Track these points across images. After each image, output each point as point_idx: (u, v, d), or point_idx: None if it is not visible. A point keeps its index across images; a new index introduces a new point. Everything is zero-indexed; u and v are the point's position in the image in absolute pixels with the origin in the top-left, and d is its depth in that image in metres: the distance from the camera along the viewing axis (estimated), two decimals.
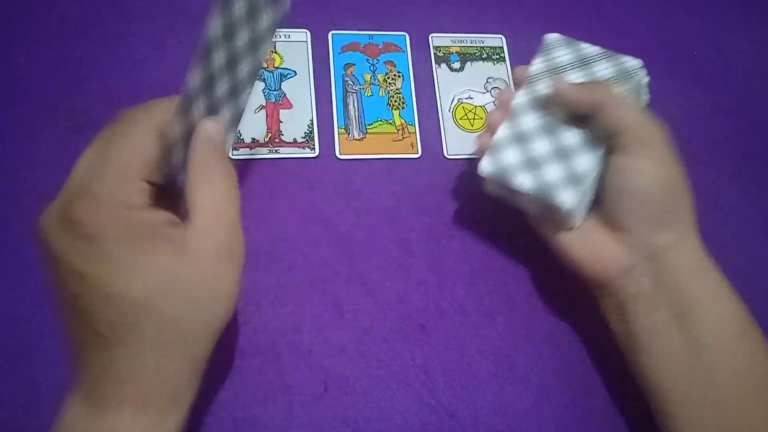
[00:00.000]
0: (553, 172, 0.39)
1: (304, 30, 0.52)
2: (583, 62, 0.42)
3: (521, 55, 0.55)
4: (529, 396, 0.42)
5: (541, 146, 0.40)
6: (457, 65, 0.54)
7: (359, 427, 0.39)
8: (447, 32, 0.55)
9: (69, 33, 0.49)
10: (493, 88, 0.53)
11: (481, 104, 0.52)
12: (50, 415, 0.37)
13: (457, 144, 0.50)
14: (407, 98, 0.51)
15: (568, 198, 0.38)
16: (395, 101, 0.51)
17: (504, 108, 0.42)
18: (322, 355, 0.41)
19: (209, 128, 0.31)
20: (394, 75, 0.52)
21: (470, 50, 0.55)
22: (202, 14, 0.51)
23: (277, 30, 0.35)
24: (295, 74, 0.50)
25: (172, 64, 0.49)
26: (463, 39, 0.55)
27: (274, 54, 0.51)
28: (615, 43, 0.59)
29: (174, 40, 0.50)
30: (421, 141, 0.50)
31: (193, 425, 0.38)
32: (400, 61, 0.53)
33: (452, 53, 0.54)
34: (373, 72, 0.52)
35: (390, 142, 0.49)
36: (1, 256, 0.41)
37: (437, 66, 0.53)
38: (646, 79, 0.42)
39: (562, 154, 0.39)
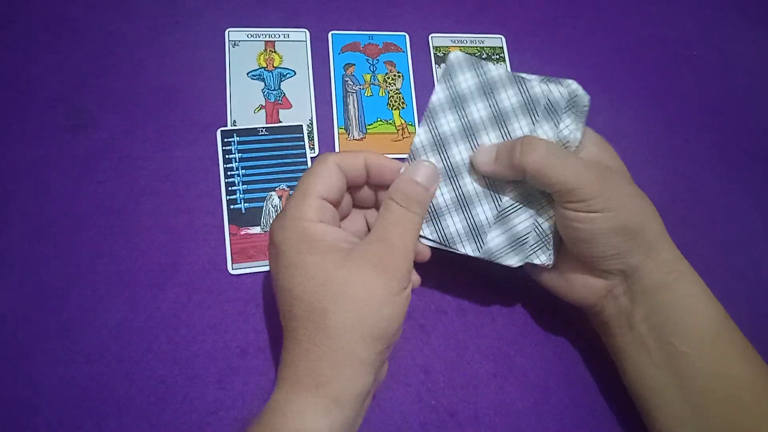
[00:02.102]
0: (495, 238, 0.38)
1: (304, 30, 0.52)
2: (488, 89, 0.38)
3: (521, 55, 0.55)
4: (529, 396, 0.42)
5: (481, 212, 0.38)
6: None
7: (359, 427, 0.39)
8: (447, 32, 0.55)
9: (69, 33, 0.49)
10: None
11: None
12: (50, 415, 0.37)
13: None
14: (407, 98, 0.51)
15: (513, 261, 0.38)
16: (395, 101, 0.51)
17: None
18: None
19: (423, 171, 0.37)
20: (394, 75, 0.52)
21: (470, 50, 0.55)
22: (202, 14, 0.52)
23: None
24: (295, 74, 0.50)
25: (172, 64, 0.49)
26: (463, 39, 0.55)
27: (274, 54, 0.51)
28: (615, 44, 0.59)
29: (174, 40, 0.50)
30: None
31: (194, 425, 0.38)
32: (400, 61, 0.53)
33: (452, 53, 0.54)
34: (373, 72, 0.52)
35: (390, 143, 0.49)
36: (1, 256, 0.41)
37: (437, 66, 0.53)
38: (573, 87, 0.38)
39: (502, 216, 0.38)
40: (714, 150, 0.55)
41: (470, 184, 0.38)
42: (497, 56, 0.55)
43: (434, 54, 0.54)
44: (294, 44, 0.52)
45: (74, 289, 0.40)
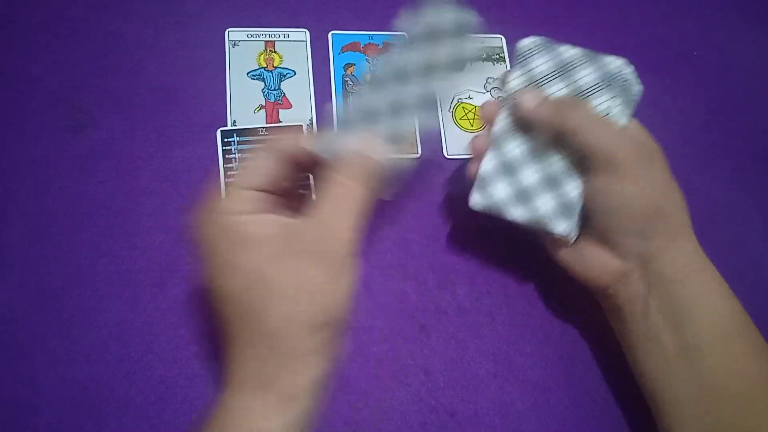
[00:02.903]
0: (545, 203, 0.39)
1: (304, 30, 0.52)
2: (564, 70, 0.40)
3: None
4: (529, 396, 0.42)
5: (529, 175, 0.39)
6: None
7: (359, 427, 0.39)
8: None
9: (69, 33, 0.49)
10: (492, 88, 0.53)
11: (481, 104, 0.52)
12: (50, 415, 0.37)
13: (456, 144, 0.50)
14: None
15: (563, 227, 0.38)
16: None
17: (488, 123, 0.41)
18: None
19: (369, 145, 0.34)
20: None
21: None
22: (202, 14, 0.52)
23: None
24: (295, 74, 0.50)
25: (172, 64, 0.49)
26: None
27: (274, 53, 0.51)
28: (615, 43, 0.59)
29: (174, 40, 0.50)
30: (421, 141, 0.50)
31: (194, 425, 0.38)
32: None
33: None
34: None
35: None
36: (1, 256, 0.41)
37: None
38: (632, 76, 0.40)
39: (552, 182, 0.39)
40: (714, 150, 0.55)
41: (557, 162, 0.39)
42: (497, 56, 0.55)
43: None
44: (294, 44, 0.52)
45: (74, 289, 0.40)
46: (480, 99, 0.53)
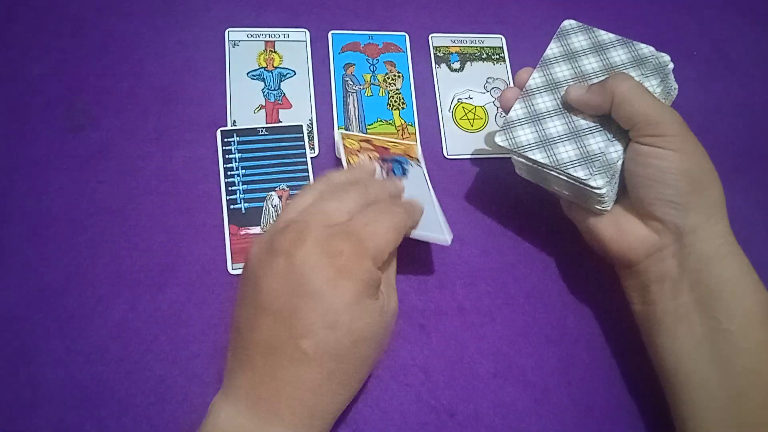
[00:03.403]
0: (598, 164, 0.39)
1: (304, 30, 0.52)
2: (599, 48, 0.43)
3: (521, 55, 0.55)
4: (529, 396, 0.42)
5: (556, 125, 0.41)
6: (456, 65, 0.54)
7: (359, 427, 0.39)
8: (447, 32, 0.55)
9: (69, 33, 0.49)
10: (492, 88, 0.53)
11: (481, 104, 0.52)
12: (50, 415, 0.37)
13: (456, 144, 0.50)
14: (407, 98, 0.51)
15: (607, 188, 0.38)
16: (395, 101, 0.51)
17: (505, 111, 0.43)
18: None
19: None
20: (394, 75, 0.52)
21: (470, 50, 0.55)
22: (202, 14, 0.52)
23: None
24: (295, 74, 0.50)
25: (172, 64, 0.49)
26: (463, 39, 0.55)
27: (274, 53, 0.51)
28: None
29: (174, 40, 0.50)
30: (421, 141, 0.50)
31: (194, 425, 0.38)
32: (400, 61, 0.53)
33: (452, 53, 0.54)
34: (373, 72, 0.52)
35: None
36: (1, 256, 0.41)
37: (437, 66, 0.53)
38: (669, 65, 0.42)
39: (577, 134, 0.40)
40: (714, 150, 0.55)
41: (582, 119, 0.41)
42: (497, 56, 0.55)
43: (434, 54, 0.54)
44: (294, 44, 0.52)
45: (74, 289, 0.40)
46: (480, 99, 0.53)
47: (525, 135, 0.41)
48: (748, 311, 0.35)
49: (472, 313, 0.44)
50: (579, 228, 0.43)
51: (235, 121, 0.48)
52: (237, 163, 0.46)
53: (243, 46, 0.51)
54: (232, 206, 0.44)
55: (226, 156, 0.46)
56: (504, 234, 0.47)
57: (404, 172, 0.46)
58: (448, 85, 0.53)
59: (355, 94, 0.51)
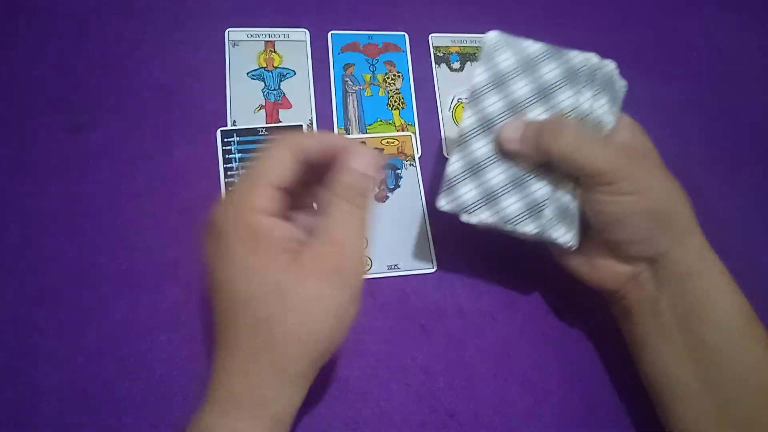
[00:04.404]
0: (512, 204, 0.38)
1: (304, 30, 0.52)
2: (529, 65, 0.38)
3: None
4: (529, 396, 0.42)
5: (496, 175, 0.38)
6: (456, 65, 0.54)
7: (359, 427, 0.39)
8: (447, 32, 0.55)
9: (69, 33, 0.49)
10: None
11: None
12: (51, 415, 0.37)
13: None
14: (407, 98, 0.51)
15: (566, 237, 0.38)
16: (395, 101, 0.51)
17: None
18: None
19: (366, 161, 0.32)
20: (394, 75, 0.52)
21: (470, 50, 0.55)
22: (202, 14, 0.52)
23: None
24: (295, 74, 0.50)
25: (172, 64, 0.49)
26: (463, 39, 0.55)
27: (274, 54, 0.51)
28: (614, 43, 0.59)
29: (174, 40, 0.50)
30: (421, 141, 0.50)
31: None
32: (399, 61, 0.53)
33: (452, 53, 0.54)
34: (373, 72, 0.52)
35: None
36: (1, 256, 0.41)
37: (437, 66, 0.53)
38: (609, 66, 0.39)
39: (520, 182, 0.38)
40: (714, 150, 0.55)
41: (518, 164, 0.38)
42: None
43: (434, 54, 0.54)
44: (294, 44, 0.52)
45: (74, 289, 0.40)
46: None
47: (468, 193, 0.38)
48: (727, 323, 0.36)
49: (472, 313, 0.44)
50: (555, 261, 0.42)
51: (235, 121, 0.48)
52: (237, 163, 0.46)
53: (243, 46, 0.51)
54: None
55: (226, 156, 0.46)
56: (504, 234, 0.46)
57: (397, 181, 0.46)
58: (448, 85, 0.53)
59: (354, 94, 0.51)
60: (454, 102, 0.52)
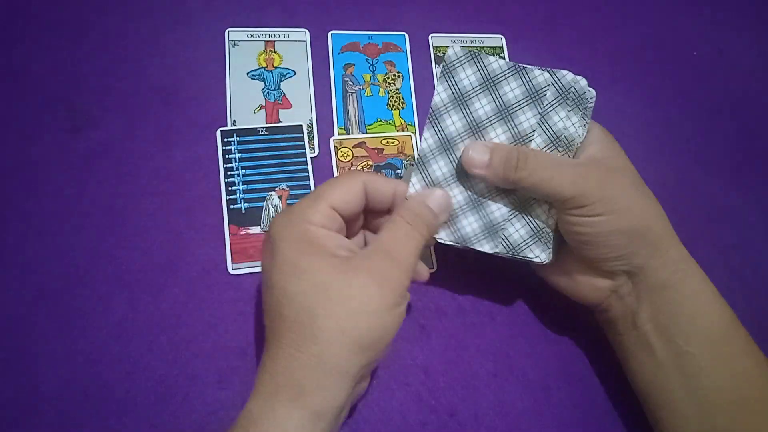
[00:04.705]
0: (516, 232, 0.38)
1: (304, 30, 0.52)
2: (490, 83, 0.37)
3: (521, 55, 0.55)
4: (529, 396, 0.42)
5: (496, 209, 0.38)
6: None
7: (359, 427, 0.39)
8: (447, 32, 0.55)
9: (69, 33, 0.49)
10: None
11: None
12: (51, 415, 0.37)
13: None
14: (407, 98, 0.51)
15: (541, 255, 0.38)
16: (395, 101, 0.51)
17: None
18: None
19: (436, 199, 0.37)
20: (394, 75, 0.52)
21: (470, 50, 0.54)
22: (202, 14, 0.52)
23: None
24: (295, 74, 0.50)
25: (172, 64, 0.49)
26: (463, 39, 0.55)
27: (274, 53, 0.51)
28: (614, 43, 0.59)
29: (174, 40, 0.50)
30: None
31: (194, 425, 0.38)
32: (399, 61, 0.53)
33: None
34: (373, 72, 0.52)
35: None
36: (1, 256, 0.41)
37: (437, 66, 0.53)
38: (582, 82, 0.37)
39: (478, 201, 0.38)
40: (714, 150, 0.55)
41: (480, 183, 0.38)
42: (497, 56, 0.55)
43: (434, 54, 0.54)
44: (294, 44, 0.52)
45: (74, 289, 0.40)
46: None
47: (469, 225, 0.38)
48: (706, 331, 0.36)
49: (472, 313, 0.44)
50: (538, 275, 0.43)
51: (235, 121, 0.48)
52: (237, 163, 0.46)
53: (243, 46, 0.51)
54: (232, 206, 0.44)
55: (226, 156, 0.46)
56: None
57: None
58: None
59: (354, 94, 0.51)
60: None
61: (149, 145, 0.46)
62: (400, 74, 0.52)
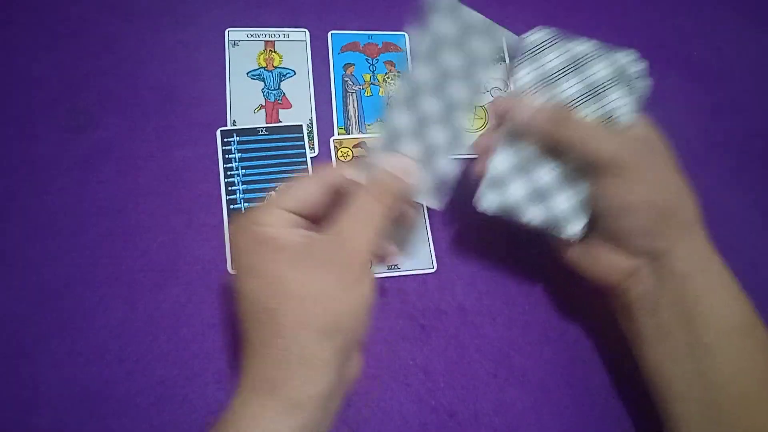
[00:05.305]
0: (561, 203, 0.38)
1: (304, 29, 0.52)
2: (577, 65, 0.39)
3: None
4: (529, 396, 0.42)
5: (544, 174, 0.39)
6: None
7: (359, 427, 0.39)
8: None
9: (69, 33, 0.49)
10: (493, 87, 0.53)
11: (481, 104, 0.52)
12: (50, 415, 0.37)
13: None
14: None
15: (575, 229, 0.38)
16: None
17: (499, 119, 0.41)
18: None
19: (395, 163, 0.36)
20: (394, 75, 0.52)
21: None
22: (202, 14, 0.52)
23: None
24: (295, 74, 0.50)
25: (172, 64, 0.49)
26: None
27: (274, 53, 0.51)
28: (615, 43, 0.59)
29: (174, 40, 0.50)
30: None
31: (194, 425, 0.38)
32: (399, 61, 0.53)
33: None
34: (373, 72, 0.52)
35: None
36: (1, 256, 0.41)
37: None
38: (642, 71, 0.39)
39: (567, 181, 0.39)
40: (714, 150, 0.55)
41: (527, 146, 0.39)
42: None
43: None
44: (294, 44, 0.52)
45: (74, 289, 0.40)
46: (480, 99, 0.53)
47: (516, 192, 0.39)
48: (727, 324, 0.36)
49: (472, 313, 0.44)
50: (555, 251, 0.42)
51: (235, 121, 0.48)
52: (237, 163, 0.46)
53: (243, 46, 0.51)
54: (232, 206, 0.44)
55: (226, 156, 0.46)
56: (504, 233, 0.47)
57: None
58: None
59: (354, 94, 0.51)
60: None
61: (149, 145, 0.46)
62: (400, 74, 0.52)
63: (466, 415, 0.40)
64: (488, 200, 0.40)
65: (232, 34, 0.51)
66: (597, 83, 0.39)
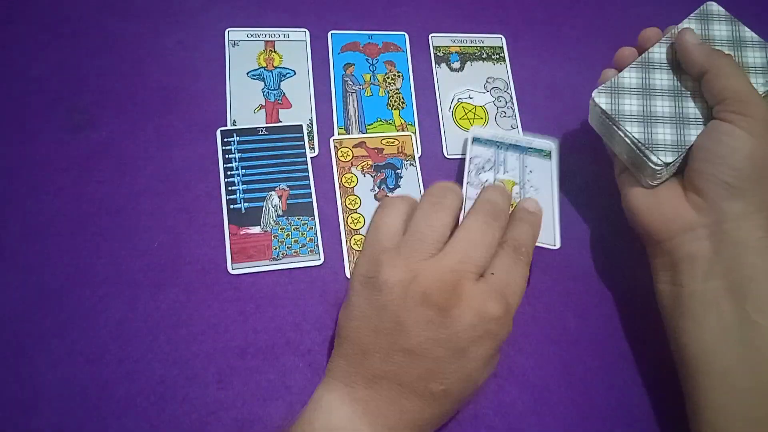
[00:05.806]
0: (664, 134, 0.40)
1: (304, 29, 0.52)
2: (738, 44, 0.42)
3: (521, 55, 0.55)
4: (529, 396, 0.42)
5: (660, 106, 0.41)
6: (456, 65, 0.54)
7: None
8: (447, 32, 0.55)
9: (69, 33, 0.49)
10: (493, 87, 0.53)
11: (481, 104, 0.52)
12: (50, 415, 0.37)
13: (457, 144, 0.50)
14: (407, 98, 0.51)
15: (668, 159, 0.39)
16: (395, 101, 0.51)
17: (642, 46, 0.44)
18: (322, 355, 0.41)
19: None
20: (394, 75, 0.52)
21: (470, 50, 0.55)
22: (202, 14, 0.52)
23: None
24: (295, 74, 0.50)
25: (172, 64, 0.49)
26: (463, 39, 0.55)
27: (274, 53, 0.51)
28: (614, 43, 0.59)
29: (174, 40, 0.50)
30: (421, 141, 0.50)
31: (194, 425, 0.38)
32: (399, 61, 0.53)
33: (452, 53, 0.54)
34: (373, 72, 0.52)
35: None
36: (1, 256, 0.41)
37: (437, 66, 0.53)
38: None
39: (679, 121, 0.40)
40: None
41: (692, 107, 0.41)
42: (497, 56, 0.55)
43: (434, 54, 0.54)
44: (294, 44, 0.52)
45: (74, 289, 0.40)
46: (480, 99, 0.53)
47: (630, 105, 0.41)
48: None
49: None
50: (621, 193, 0.43)
51: (235, 121, 0.48)
52: (237, 163, 0.46)
53: (243, 46, 0.51)
54: (232, 206, 0.44)
55: (226, 156, 0.46)
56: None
57: (397, 181, 0.46)
58: (448, 85, 0.53)
59: (354, 94, 0.51)
60: (454, 102, 0.52)
61: (149, 145, 0.46)
62: (400, 74, 0.52)
63: (466, 415, 0.40)
64: (603, 99, 0.41)
65: (232, 34, 0.51)
66: (747, 65, 0.41)
